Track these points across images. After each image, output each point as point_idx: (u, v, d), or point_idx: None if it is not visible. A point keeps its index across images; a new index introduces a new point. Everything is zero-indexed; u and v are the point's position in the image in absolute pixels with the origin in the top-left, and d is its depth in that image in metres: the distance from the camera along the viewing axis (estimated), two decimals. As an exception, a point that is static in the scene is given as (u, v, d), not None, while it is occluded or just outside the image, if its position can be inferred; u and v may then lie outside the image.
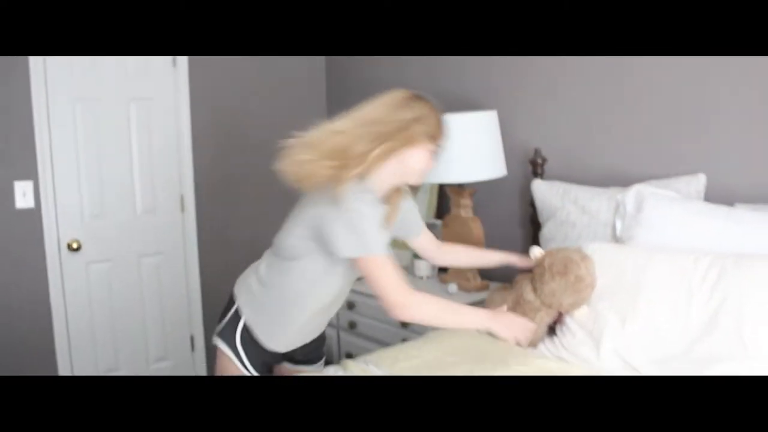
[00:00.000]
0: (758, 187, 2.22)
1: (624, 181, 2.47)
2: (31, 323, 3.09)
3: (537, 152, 2.76)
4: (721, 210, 2.10)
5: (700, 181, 2.30)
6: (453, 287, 2.81)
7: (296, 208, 1.96)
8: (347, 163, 1.77)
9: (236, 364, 1.94)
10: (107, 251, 3.27)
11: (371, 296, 2.91)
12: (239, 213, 3.67)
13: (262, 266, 2.02)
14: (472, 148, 2.68)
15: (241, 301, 1.97)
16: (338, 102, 3.85)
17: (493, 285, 2.84)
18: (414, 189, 3.30)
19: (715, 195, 2.29)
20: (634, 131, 2.52)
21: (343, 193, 1.75)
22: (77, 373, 3.21)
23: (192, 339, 3.56)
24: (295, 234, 1.88)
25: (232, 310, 1.98)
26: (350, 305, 3.06)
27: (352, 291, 3.03)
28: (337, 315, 3.15)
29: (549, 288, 2.06)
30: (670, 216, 2.16)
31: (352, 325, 3.07)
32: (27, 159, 3.04)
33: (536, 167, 2.75)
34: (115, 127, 3.24)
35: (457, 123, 2.64)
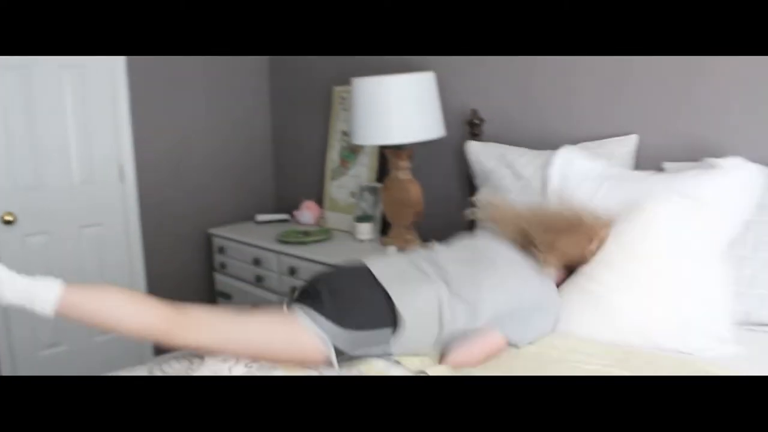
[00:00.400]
0: (687, 147, 2.25)
1: (560, 142, 2.48)
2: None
3: (474, 113, 2.75)
4: (642, 176, 2.14)
5: (631, 141, 2.33)
6: (392, 249, 2.82)
7: (495, 264, 1.93)
8: (566, 254, 1.97)
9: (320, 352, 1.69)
10: (44, 223, 3.19)
11: (314, 261, 2.92)
12: (182, 183, 3.61)
13: (449, 307, 1.79)
14: (410, 109, 2.66)
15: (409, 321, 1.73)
16: (281, 72, 3.79)
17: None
18: (355, 151, 3.31)
19: (647, 155, 2.33)
20: (569, 93, 2.53)
21: (550, 279, 1.95)
22: (17, 349, 3.16)
23: (137, 309, 3.51)
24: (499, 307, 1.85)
25: (386, 327, 1.73)
26: (292, 271, 3.05)
27: (293, 256, 3.04)
28: (280, 281, 3.15)
29: None
30: (591, 189, 2.19)
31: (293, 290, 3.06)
32: (-47, 131, 2.94)
33: (473, 128, 2.75)
34: (47, 95, 3.13)
35: (395, 85, 2.64)
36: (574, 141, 2.45)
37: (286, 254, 3.08)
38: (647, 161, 2.32)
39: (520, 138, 2.65)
